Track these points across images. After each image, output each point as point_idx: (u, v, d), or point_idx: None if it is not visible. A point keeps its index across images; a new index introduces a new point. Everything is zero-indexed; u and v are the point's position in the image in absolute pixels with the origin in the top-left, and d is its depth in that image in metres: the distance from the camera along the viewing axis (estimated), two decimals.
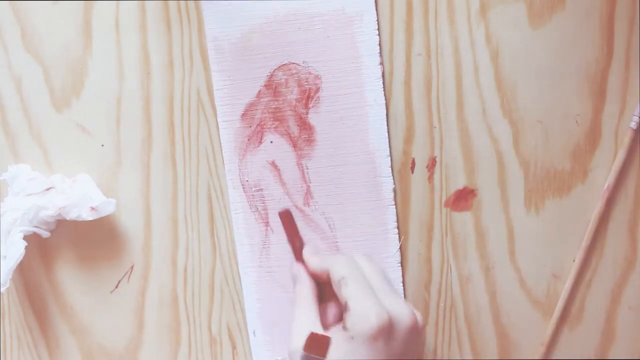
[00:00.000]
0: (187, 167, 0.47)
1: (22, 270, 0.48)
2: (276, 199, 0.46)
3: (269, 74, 0.45)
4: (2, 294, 0.48)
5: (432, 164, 0.46)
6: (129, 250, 0.48)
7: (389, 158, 0.45)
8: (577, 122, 0.45)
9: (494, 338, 0.48)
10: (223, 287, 0.48)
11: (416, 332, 0.39)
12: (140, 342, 0.49)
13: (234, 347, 0.49)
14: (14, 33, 0.46)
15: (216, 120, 0.46)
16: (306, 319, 0.40)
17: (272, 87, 0.45)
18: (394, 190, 0.46)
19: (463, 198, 0.46)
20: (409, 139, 0.46)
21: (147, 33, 0.46)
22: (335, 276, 0.40)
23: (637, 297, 0.47)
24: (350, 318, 0.38)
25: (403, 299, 0.42)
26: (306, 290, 0.41)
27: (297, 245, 0.43)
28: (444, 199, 0.46)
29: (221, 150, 0.46)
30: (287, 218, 0.43)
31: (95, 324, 0.49)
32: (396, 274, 0.47)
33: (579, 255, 0.46)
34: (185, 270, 0.48)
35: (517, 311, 0.47)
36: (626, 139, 0.45)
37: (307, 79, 0.45)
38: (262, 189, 0.46)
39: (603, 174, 0.46)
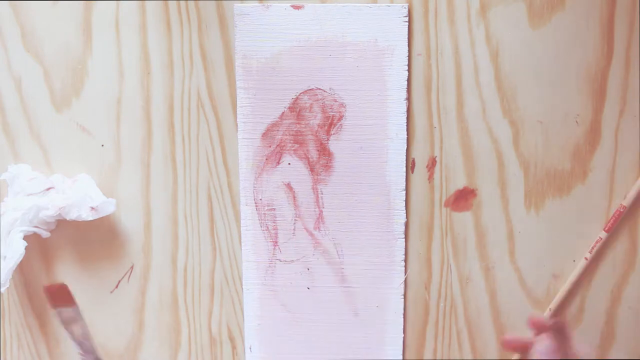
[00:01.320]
0: (187, 167, 0.47)
1: (22, 270, 0.48)
2: (287, 220, 0.46)
3: (294, 97, 0.45)
4: (2, 294, 0.48)
5: (432, 164, 0.46)
6: (129, 250, 0.48)
7: (404, 192, 0.46)
8: (577, 122, 0.45)
9: (494, 338, 0.48)
10: (223, 287, 0.48)
11: None
12: (140, 342, 0.49)
13: (234, 347, 0.49)
14: (14, 33, 0.46)
15: (216, 120, 0.46)
16: None
17: (296, 110, 0.45)
18: (405, 224, 0.46)
19: (463, 198, 0.46)
20: (409, 139, 0.46)
21: (147, 33, 0.46)
22: None
23: (637, 297, 0.47)
24: None
25: None
26: None
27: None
28: (444, 199, 0.46)
29: (222, 151, 0.46)
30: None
31: (95, 324, 0.49)
32: (399, 305, 0.47)
33: (579, 255, 0.46)
34: (185, 270, 0.48)
35: (517, 311, 0.47)
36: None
37: (331, 105, 0.45)
38: (274, 209, 0.46)
39: (603, 174, 0.46)
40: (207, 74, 0.46)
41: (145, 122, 0.46)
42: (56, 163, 0.47)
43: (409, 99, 0.45)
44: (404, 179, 0.46)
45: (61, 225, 0.47)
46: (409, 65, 0.45)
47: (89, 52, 0.46)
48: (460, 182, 0.46)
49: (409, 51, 0.45)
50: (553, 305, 0.46)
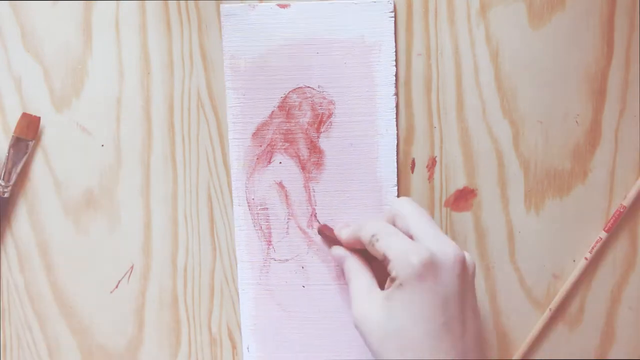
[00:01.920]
0: (187, 167, 0.47)
1: (22, 270, 0.48)
2: (280, 219, 0.46)
3: (283, 96, 0.45)
4: (2, 294, 0.48)
5: (432, 164, 0.46)
6: (129, 250, 0.48)
7: (396, 187, 0.46)
8: (577, 122, 0.45)
9: (494, 338, 0.48)
10: (223, 287, 0.48)
11: (464, 267, 0.38)
12: (140, 342, 0.49)
13: (234, 347, 0.49)
14: (14, 33, 0.46)
15: (216, 120, 0.46)
16: (365, 284, 0.39)
17: (285, 108, 0.45)
18: None
19: (463, 198, 0.46)
20: (409, 139, 0.46)
21: (147, 33, 0.46)
22: (365, 237, 0.40)
23: (637, 297, 0.47)
24: (392, 266, 0.37)
25: (447, 237, 0.39)
26: (355, 263, 0.41)
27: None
28: (444, 199, 0.46)
29: (222, 151, 0.46)
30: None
31: (95, 324, 0.49)
32: None
33: (579, 255, 0.46)
34: (185, 270, 0.48)
35: (517, 311, 0.47)
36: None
37: (320, 103, 0.45)
38: (267, 208, 0.46)
39: (603, 174, 0.46)
40: (207, 74, 0.46)
41: (145, 122, 0.46)
42: (56, 163, 0.47)
43: (408, 98, 0.45)
44: (396, 175, 0.46)
45: (61, 225, 0.47)
46: (404, 62, 0.45)
47: (89, 52, 0.46)
48: (460, 182, 0.46)
49: (396, 47, 0.45)
50: (553, 305, 0.46)
